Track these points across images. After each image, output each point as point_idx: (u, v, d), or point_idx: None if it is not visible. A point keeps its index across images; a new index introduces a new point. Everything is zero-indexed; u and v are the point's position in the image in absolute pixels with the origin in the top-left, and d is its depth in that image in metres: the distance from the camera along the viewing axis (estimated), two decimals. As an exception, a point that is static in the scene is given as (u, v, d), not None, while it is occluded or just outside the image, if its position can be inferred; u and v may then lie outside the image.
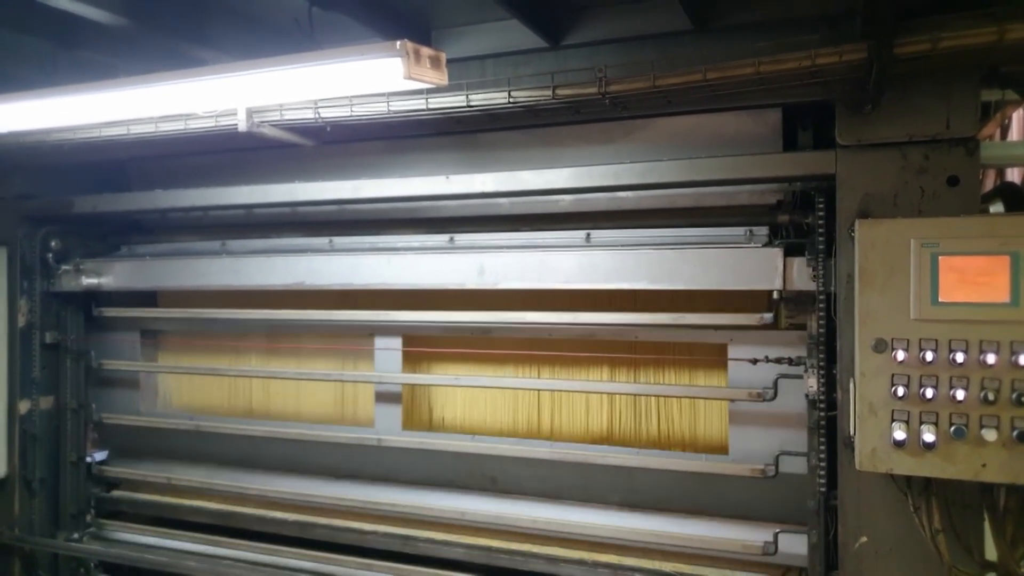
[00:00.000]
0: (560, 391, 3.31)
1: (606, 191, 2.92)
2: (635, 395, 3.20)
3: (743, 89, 2.38)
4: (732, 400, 2.95)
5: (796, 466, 2.83)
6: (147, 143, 3.12)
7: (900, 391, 2.26)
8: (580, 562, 3.15)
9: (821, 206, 2.63)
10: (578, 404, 3.34)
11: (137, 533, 3.90)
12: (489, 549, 3.28)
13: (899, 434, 2.25)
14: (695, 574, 3.00)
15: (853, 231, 2.49)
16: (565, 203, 3.22)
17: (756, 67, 2.21)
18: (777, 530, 2.83)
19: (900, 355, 2.26)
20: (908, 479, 2.39)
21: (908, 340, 2.26)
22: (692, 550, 3.01)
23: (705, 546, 2.97)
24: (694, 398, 3.11)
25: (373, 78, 2.22)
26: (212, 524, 3.76)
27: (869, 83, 2.24)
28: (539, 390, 3.35)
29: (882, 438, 2.29)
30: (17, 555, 3.88)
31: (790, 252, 2.75)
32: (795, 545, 2.83)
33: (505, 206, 3.32)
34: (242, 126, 2.75)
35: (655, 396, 3.17)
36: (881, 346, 2.29)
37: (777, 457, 2.83)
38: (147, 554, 3.71)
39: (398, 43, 2.06)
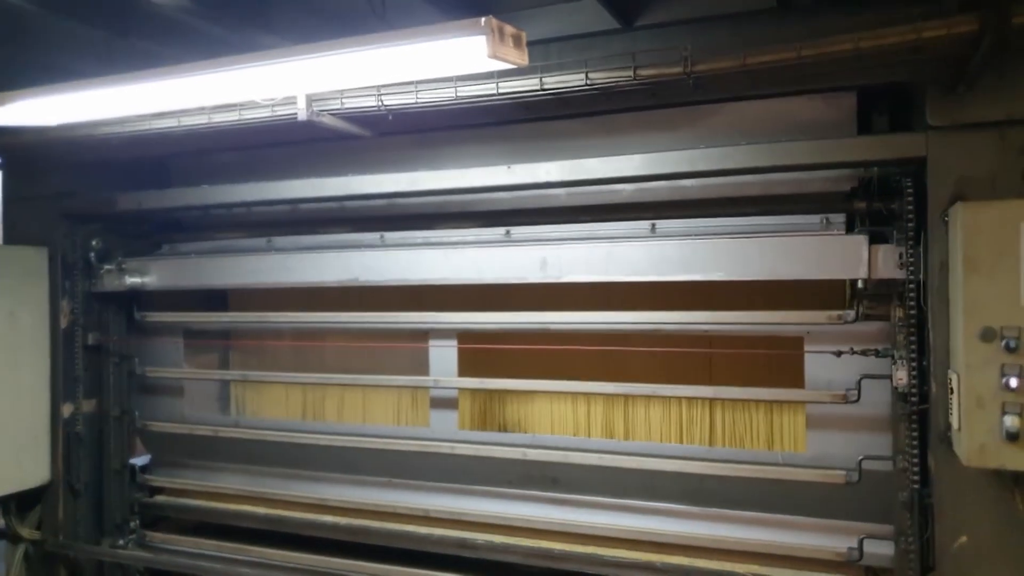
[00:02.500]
0: (627, 395, 3.15)
1: (678, 178, 2.79)
2: (710, 399, 3.04)
3: (835, 69, 2.24)
4: (814, 402, 2.79)
5: (877, 462, 2.69)
6: (198, 136, 3.01)
7: (1012, 382, 2.11)
8: (647, 565, 3.01)
9: (910, 191, 2.48)
10: (647, 403, 3.19)
11: (183, 540, 3.77)
12: (550, 553, 3.14)
13: (1012, 427, 2.10)
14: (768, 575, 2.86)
15: (947, 216, 2.36)
16: (626, 193, 3.08)
17: (856, 43, 2.08)
18: (862, 536, 2.68)
19: (1011, 344, 2.11)
20: (1016, 475, 2.24)
21: (1020, 328, 2.11)
22: (767, 551, 2.86)
23: (782, 551, 2.82)
24: (773, 402, 2.95)
25: (449, 59, 2.09)
26: (260, 530, 3.63)
27: (974, 58, 2.10)
28: (604, 394, 3.19)
29: (991, 432, 2.15)
30: (62, 562, 3.77)
31: (872, 240, 2.61)
32: (876, 544, 2.69)
33: (562, 197, 3.19)
34: (302, 115, 2.64)
35: (730, 400, 3.01)
36: (989, 335, 2.15)
37: (860, 462, 2.68)
38: (199, 560, 3.58)
39: (483, 20, 1.93)
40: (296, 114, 2.67)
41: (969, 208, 2.20)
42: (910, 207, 2.49)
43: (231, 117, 2.86)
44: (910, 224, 2.49)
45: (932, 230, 2.41)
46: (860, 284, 2.60)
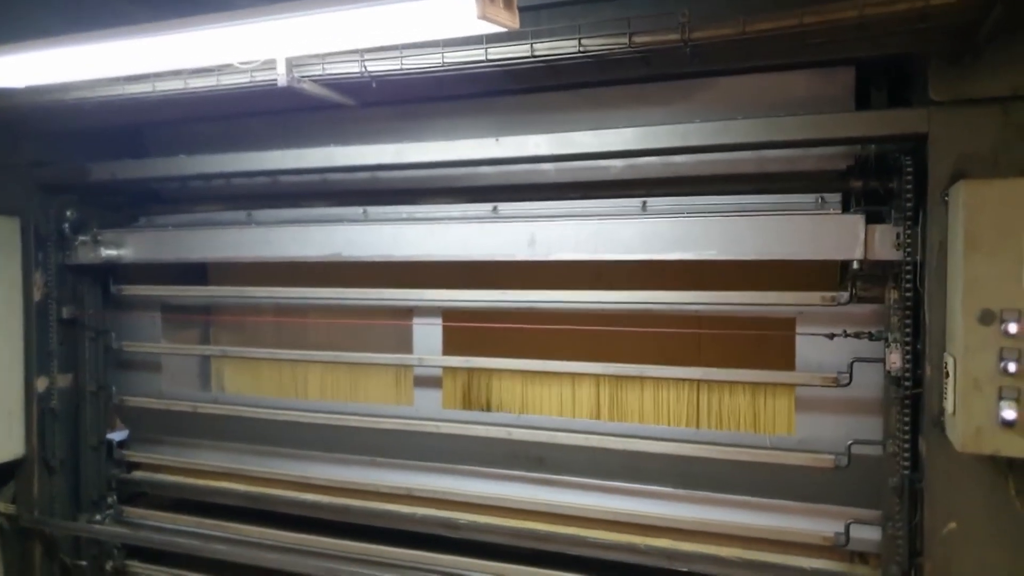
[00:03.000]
0: (615, 376, 3.06)
1: (670, 153, 2.68)
2: (698, 380, 2.95)
3: (837, 38, 2.13)
4: (804, 385, 2.70)
5: (866, 447, 2.62)
6: (174, 102, 2.86)
7: (1011, 366, 2.03)
8: (631, 547, 2.93)
9: (909, 168, 2.38)
10: (635, 384, 3.09)
11: (160, 516, 3.67)
12: (534, 533, 3.06)
13: (1008, 413, 2.03)
14: (755, 560, 2.79)
15: (947, 195, 2.26)
16: (617, 169, 2.98)
17: (860, 10, 1.96)
18: (849, 520, 2.61)
19: (1011, 327, 2.03)
20: (1010, 461, 2.17)
21: (1020, 311, 2.03)
22: (752, 535, 2.79)
23: (768, 534, 2.75)
24: (763, 383, 2.87)
25: (436, 21, 1.96)
26: (239, 507, 3.53)
27: (982, 28, 2.00)
28: (591, 375, 3.09)
29: (988, 417, 2.07)
30: (38, 538, 3.65)
31: (868, 220, 2.51)
32: (863, 530, 2.63)
33: (551, 173, 3.08)
34: (281, 80, 2.50)
35: (720, 382, 2.92)
36: (988, 317, 2.07)
37: (849, 446, 2.61)
38: (176, 537, 3.48)
39: (471, -22, 1.80)
40: (276, 80, 2.54)
41: (971, 186, 2.10)
42: (909, 186, 2.39)
43: (208, 82, 2.71)
44: (908, 203, 2.39)
45: (931, 209, 2.32)
46: (856, 265, 2.50)
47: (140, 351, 3.75)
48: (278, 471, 3.47)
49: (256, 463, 3.55)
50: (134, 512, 3.72)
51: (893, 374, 2.45)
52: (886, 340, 2.49)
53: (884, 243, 2.47)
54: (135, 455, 3.78)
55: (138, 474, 3.78)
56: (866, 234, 2.48)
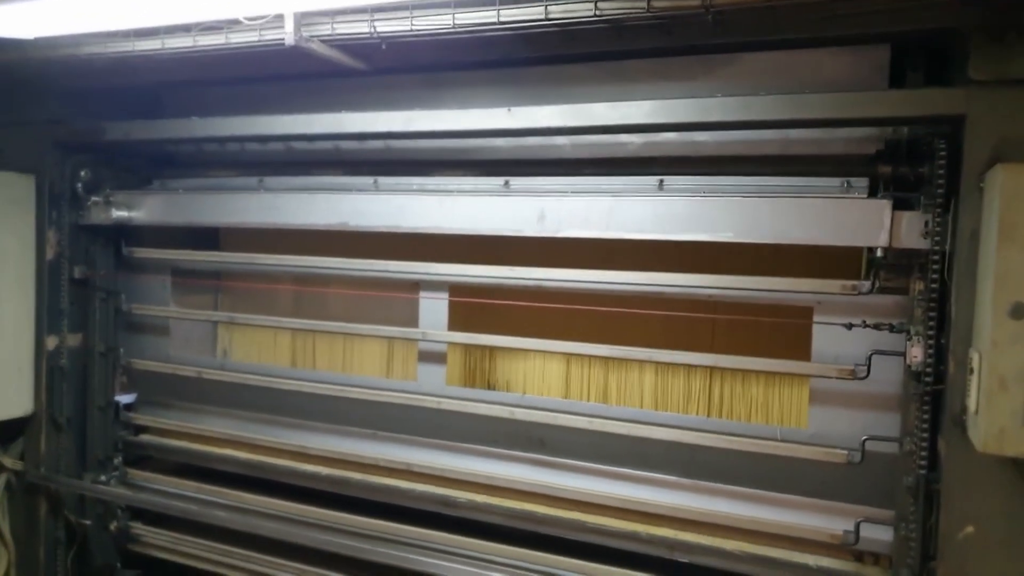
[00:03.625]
0: (622, 359, 2.92)
1: (691, 129, 2.54)
2: (709, 367, 2.81)
3: (871, 9, 1.97)
4: (820, 377, 2.55)
5: (881, 444, 2.47)
6: (185, 61, 2.77)
7: (1042, 365, 1.87)
8: (632, 535, 2.81)
9: (943, 152, 2.21)
10: (643, 368, 2.96)
11: (164, 479, 3.61)
12: (533, 515, 2.95)
13: (1036, 414, 1.86)
14: (759, 554, 2.65)
15: (983, 181, 2.09)
16: (633, 146, 2.83)
17: (896, -24, 1.79)
18: (860, 519, 2.47)
19: (1044, 323, 1.86)
20: (1035, 465, 2.02)
21: (1056, 306, 1.86)
22: (757, 528, 2.66)
23: (774, 529, 2.62)
24: (777, 373, 2.72)
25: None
26: (241, 475, 3.47)
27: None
28: (599, 357, 2.96)
29: (1013, 417, 1.92)
30: (43, 494, 3.62)
31: (895, 206, 2.35)
32: (874, 529, 2.48)
33: (566, 148, 2.94)
34: (289, 39, 2.39)
35: (731, 369, 2.77)
36: (1020, 312, 1.90)
37: (864, 442, 2.45)
38: (177, 501, 3.42)
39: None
40: (283, 38, 2.43)
41: (1010, 171, 1.93)
42: (941, 170, 2.22)
43: (217, 40, 2.61)
44: (940, 189, 2.22)
45: (965, 196, 2.15)
46: (880, 253, 2.34)
47: (149, 314, 3.69)
48: (280, 440, 3.40)
49: (259, 431, 3.47)
50: (139, 475, 3.68)
51: (914, 369, 2.29)
52: (908, 333, 2.33)
53: (911, 231, 2.31)
54: (142, 418, 3.73)
55: (144, 437, 3.73)
56: (892, 221, 2.31)
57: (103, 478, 3.63)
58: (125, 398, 3.75)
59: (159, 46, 2.70)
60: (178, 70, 2.96)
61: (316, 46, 2.48)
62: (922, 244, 2.29)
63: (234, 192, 3.38)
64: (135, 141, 3.41)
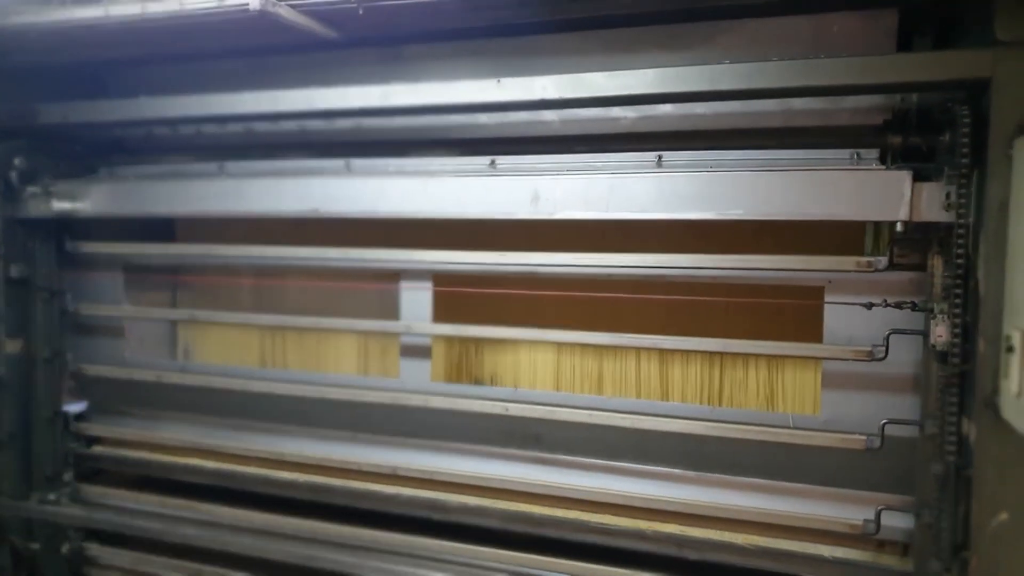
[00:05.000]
0: (622, 347, 2.74)
1: (695, 100, 2.35)
2: (715, 353, 2.65)
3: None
4: (835, 359, 2.40)
5: (898, 428, 2.34)
6: (132, 32, 2.46)
7: (1092, 341, 1.73)
8: (637, 533, 2.64)
9: (966, 119, 2.07)
10: (643, 357, 2.78)
11: (122, 494, 3.30)
12: (531, 517, 2.75)
13: (1087, 394, 1.73)
14: (773, 547, 2.51)
15: (1011, 148, 1.95)
16: (628, 121, 2.64)
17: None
18: (880, 507, 2.33)
19: (1095, 297, 1.73)
20: (1079, 448, 1.89)
21: (1106, 278, 1.73)
22: (770, 521, 2.51)
23: (788, 521, 2.47)
24: (787, 357, 2.57)
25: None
26: (209, 485, 3.18)
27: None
28: (596, 345, 2.77)
29: (1060, 399, 1.77)
30: (-16, 518, 3.27)
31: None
32: (894, 517, 2.36)
33: (555, 125, 2.74)
34: (254, 3, 2.10)
35: (739, 354, 2.61)
36: (1067, 286, 1.76)
37: (883, 426, 2.31)
38: (138, 519, 3.12)
39: None
40: (247, 3, 2.15)
41: (1054, 135, 1.79)
42: (965, 139, 2.07)
43: (170, 6, 2.31)
44: (964, 159, 2.07)
45: (992, 165, 2.01)
46: (899, 228, 2.20)
47: (99, 315, 3.36)
48: (251, 447, 3.13)
49: (227, 438, 3.20)
50: (93, 490, 3.35)
51: (939, 349, 2.15)
52: (932, 311, 2.19)
53: (932, 203, 2.16)
54: (95, 428, 3.40)
55: (98, 449, 3.41)
56: (912, 193, 2.17)
57: (52, 496, 3.30)
58: (75, 407, 3.42)
59: (102, 14, 2.39)
60: (125, 45, 2.65)
61: (284, 12, 2.21)
62: (944, 217, 2.15)
63: (191, 179, 3.07)
64: (75, 124, 3.07)
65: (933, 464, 2.17)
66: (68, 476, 3.36)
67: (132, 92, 3.03)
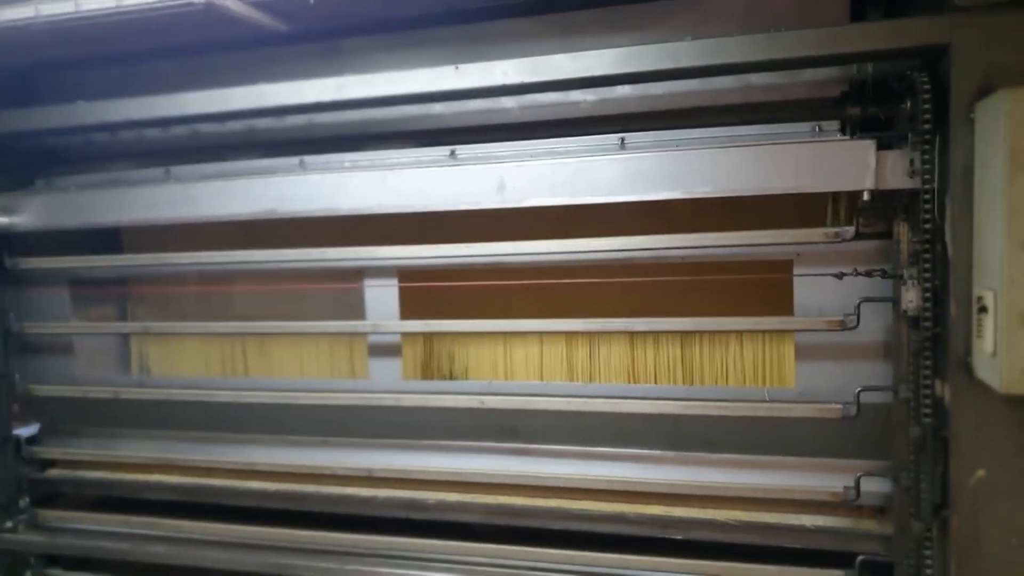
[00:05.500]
0: (594, 333, 2.68)
1: (659, 78, 2.30)
2: (687, 332, 2.60)
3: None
4: (808, 331, 2.38)
5: (872, 395, 2.33)
6: (65, 32, 2.28)
7: (1065, 298, 1.74)
8: (620, 517, 2.58)
9: (926, 86, 2.06)
10: (617, 341, 2.72)
11: (83, 517, 3.11)
12: (511, 508, 2.68)
13: (1062, 349, 1.74)
14: (756, 521, 2.49)
15: (972, 112, 1.95)
16: (588, 105, 2.58)
17: None
18: (859, 473, 2.32)
19: (1064, 254, 1.73)
20: (1052, 403, 1.90)
21: (1075, 235, 1.73)
22: (751, 495, 2.48)
23: (768, 493, 2.45)
24: (760, 332, 2.54)
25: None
26: (175, 501, 3.02)
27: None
28: (567, 333, 2.70)
29: (1036, 355, 1.77)
30: (-66, 554, 3.04)
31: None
32: (874, 483, 2.35)
33: (513, 112, 2.65)
34: (199, -6, 1.96)
35: (713, 332, 2.57)
36: (1037, 244, 1.76)
37: (858, 394, 2.30)
38: (101, 541, 2.94)
39: None
40: (189, -7, 2.01)
41: (1018, 96, 1.78)
42: (927, 105, 2.06)
43: (107, 3, 2.15)
44: (926, 126, 2.06)
45: (955, 130, 2.00)
46: (866, 196, 2.18)
47: (46, 332, 3.14)
48: (218, 458, 2.97)
49: (192, 451, 3.03)
50: (51, 515, 3.15)
51: (910, 314, 2.15)
52: (901, 277, 2.18)
53: (896, 171, 2.15)
54: (49, 451, 3.19)
55: (54, 472, 3.20)
56: (877, 161, 2.15)
57: (9, 524, 3.10)
58: (26, 431, 3.20)
59: (32, 14, 2.21)
60: (59, 46, 2.46)
61: (232, 4, 2.06)
62: (909, 184, 2.14)
63: (136, 186, 2.89)
64: (7, 134, 2.86)
65: (910, 427, 2.16)
66: (24, 502, 3.15)
67: (69, 97, 2.83)
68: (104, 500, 3.16)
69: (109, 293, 3.28)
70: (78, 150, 3.14)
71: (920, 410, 2.13)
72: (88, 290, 3.22)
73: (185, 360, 3.23)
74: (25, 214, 2.95)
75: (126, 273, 3.23)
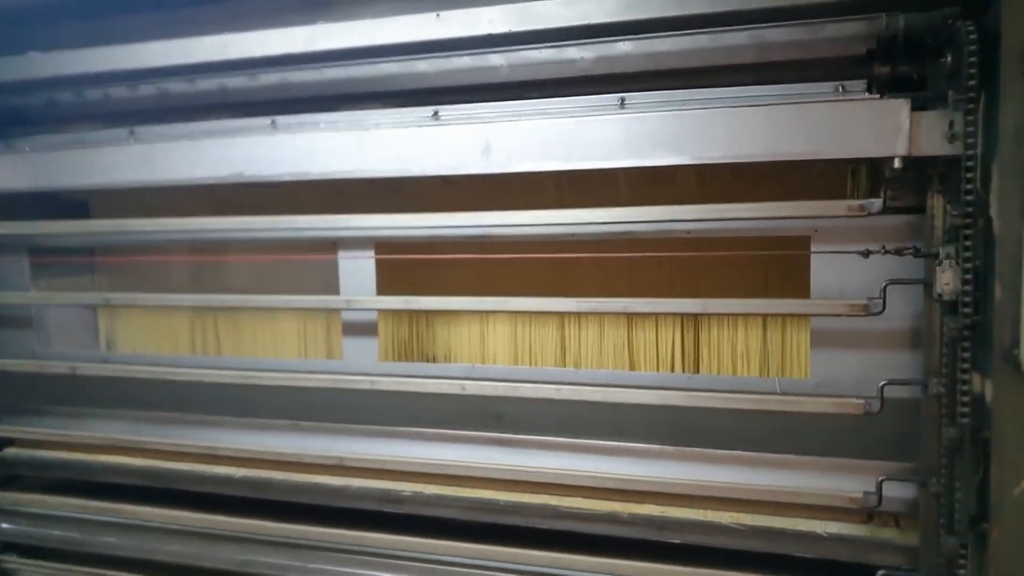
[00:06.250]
0: (589, 313, 2.36)
1: (665, 28, 1.99)
2: (692, 315, 2.30)
3: None
4: (827, 315, 2.07)
5: (898, 390, 2.02)
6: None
7: None
8: (612, 516, 2.29)
9: (973, 37, 1.73)
10: (614, 322, 2.42)
11: (43, 501, 2.84)
12: (494, 504, 2.39)
13: None
14: (761, 525, 2.19)
15: (1028, 64, 1.63)
16: (585, 63, 2.24)
17: None
18: (881, 476, 2.02)
19: None
20: (1116, 403, 1.59)
21: None
22: (757, 497, 2.18)
23: (777, 496, 2.15)
24: (772, 315, 2.23)
25: None
26: (136, 485, 2.75)
27: None
28: (561, 312, 2.39)
29: (1104, 347, 1.46)
30: None
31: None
32: (897, 488, 2.05)
33: (503, 70, 2.32)
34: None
35: (721, 315, 2.26)
36: (1110, 216, 1.44)
37: (882, 387, 1.99)
38: (52, 529, 2.67)
39: None
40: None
41: (1093, 38, 1.46)
42: (972, 59, 1.74)
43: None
44: (971, 82, 1.74)
45: (1007, 85, 1.68)
46: (898, 164, 1.86)
47: (2, 303, 2.86)
48: (182, 441, 2.69)
49: (155, 432, 2.76)
50: (7, 497, 2.89)
51: (946, 298, 1.83)
52: (935, 256, 1.86)
53: (933, 134, 1.84)
54: (5, 430, 2.92)
55: (10, 452, 2.93)
56: (911, 124, 1.83)
57: (-40, 508, 2.84)
58: (-19, 408, 2.94)
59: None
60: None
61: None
62: (947, 150, 1.82)
63: (97, 147, 2.60)
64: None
65: (944, 428, 1.85)
66: (-23, 485, 2.89)
67: (19, 49, 2.53)
68: (64, 483, 2.89)
69: (72, 262, 2.99)
70: (40, 111, 2.83)
71: (956, 408, 1.82)
72: (51, 259, 2.93)
73: (153, 336, 2.95)
74: (-21, 176, 2.67)
75: (92, 242, 2.95)
